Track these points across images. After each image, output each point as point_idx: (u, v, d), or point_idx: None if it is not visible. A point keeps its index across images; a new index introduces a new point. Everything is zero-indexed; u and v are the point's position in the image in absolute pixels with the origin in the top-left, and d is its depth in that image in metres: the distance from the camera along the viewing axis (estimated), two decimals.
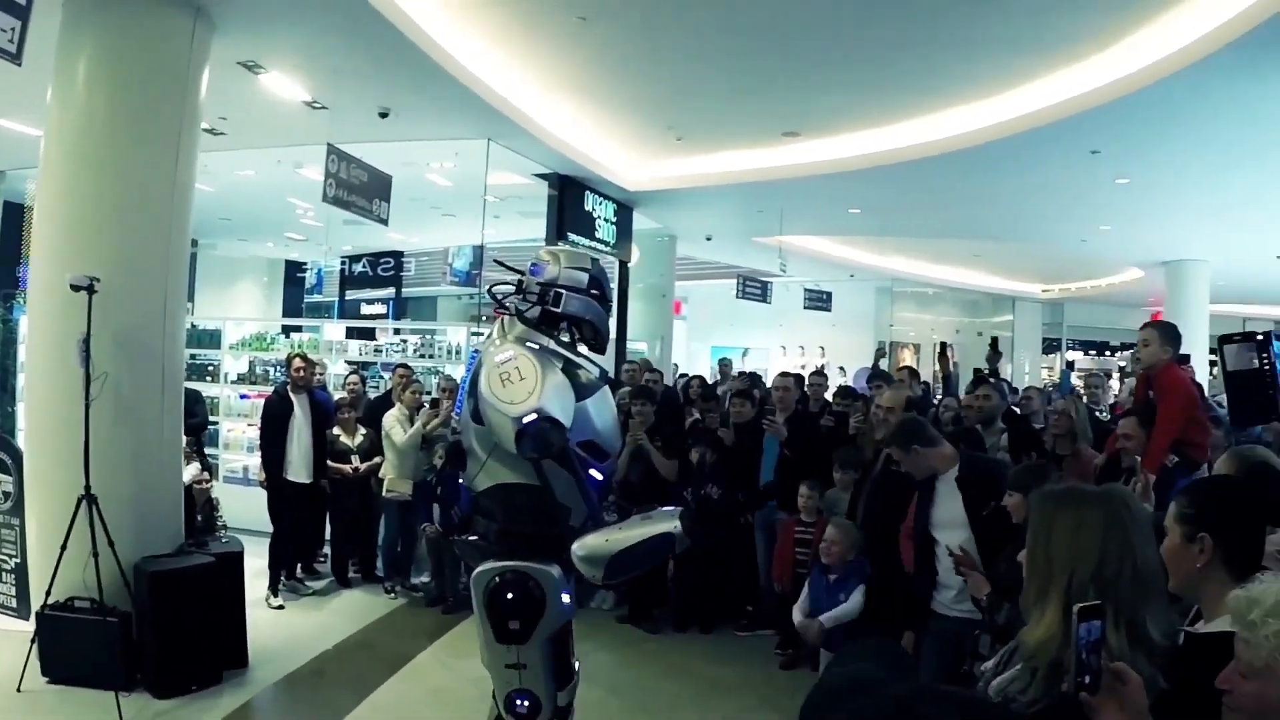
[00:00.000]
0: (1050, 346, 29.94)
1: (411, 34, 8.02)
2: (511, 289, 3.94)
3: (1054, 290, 27.34)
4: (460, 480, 4.02)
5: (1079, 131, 10.22)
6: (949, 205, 15.08)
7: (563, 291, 3.80)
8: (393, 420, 8.92)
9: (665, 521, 3.49)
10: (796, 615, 6.37)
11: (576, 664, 4.10)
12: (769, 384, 10.12)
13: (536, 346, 3.72)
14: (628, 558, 3.49)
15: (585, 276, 3.89)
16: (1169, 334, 5.85)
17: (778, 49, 8.99)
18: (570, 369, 3.72)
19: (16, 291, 12.61)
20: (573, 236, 13.19)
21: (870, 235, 19.83)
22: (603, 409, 3.85)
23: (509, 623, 3.67)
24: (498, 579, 3.63)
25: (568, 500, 3.69)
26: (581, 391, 3.69)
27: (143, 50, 6.80)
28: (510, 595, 3.59)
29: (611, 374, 4.74)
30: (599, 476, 3.84)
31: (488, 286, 4.02)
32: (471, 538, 3.86)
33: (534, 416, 3.39)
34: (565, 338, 3.95)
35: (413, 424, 8.82)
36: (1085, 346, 31.24)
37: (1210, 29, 7.91)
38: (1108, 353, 30.63)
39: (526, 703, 3.81)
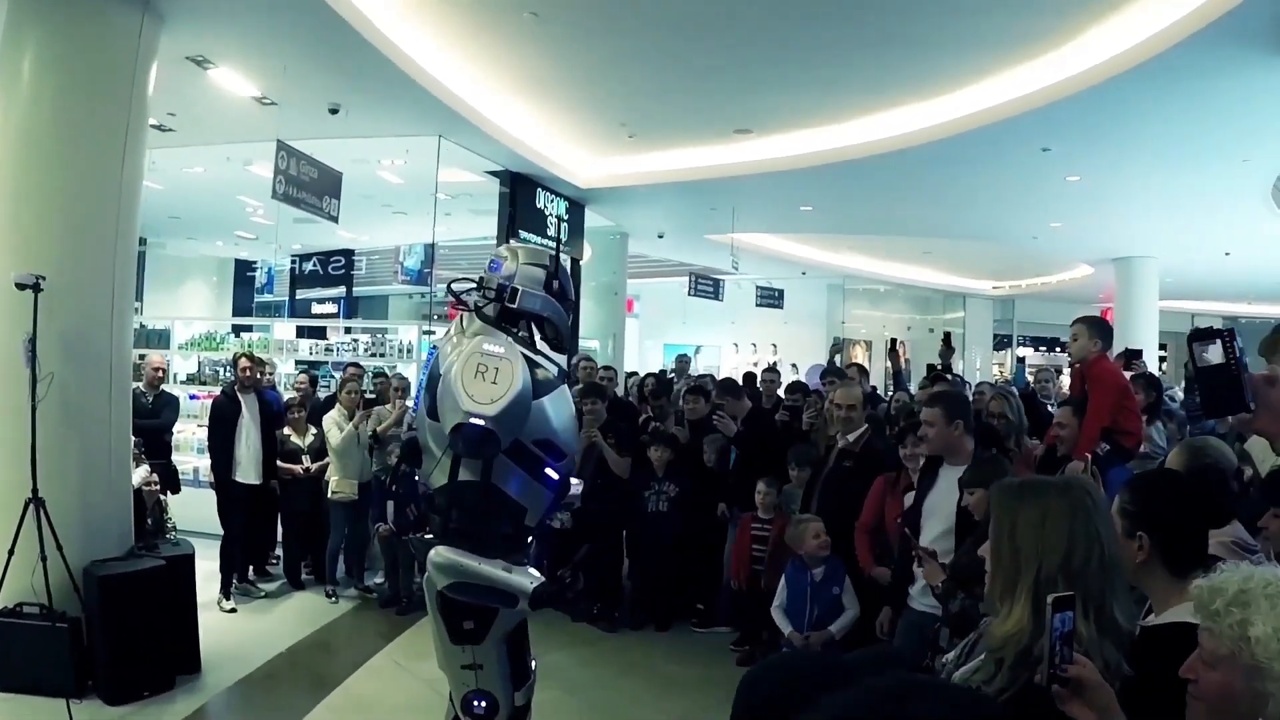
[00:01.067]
0: (1001, 343, 30.14)
1: (362, 28, 7.96)
2: (470, 285, 3.89)
3: (1005, 287, 27.54)
4: (416, 478, 3.96)
5: (1030, 129, 10.32)
6: (901, 202, 15.17)
7: (519, 288, 3.76)
8: (330, 422, 8.86)
9: (522, 580, 3.42)
10: (777, 614, 6.34)
11: (533, 663, 4.07)
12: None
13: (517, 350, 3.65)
14: (473, 590, 3.45)
15: (543, 273, 3.84)
16: (1097, 327, 5.96)
17: (730, 46, 9.00)
18: (530, 366, 3.66)
19: None
20: (524, 234, 13.11)
21: (822, 233, 19.91)
22: (560, 407, 3.79)
23: (463, 623, 3.63)
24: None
25: (522, 499, 3.65)
26: (540, 389, 3.63)
27: (89, 45, 6.68)
28: (436, 585, 3.55)
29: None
30: (555, 475, 3.80)
31: (447, 282, 3.96)
32: (427, 536, 3.81)
33: (482, 422, 3.35)
34: (525, 335, 3.90)
35: (356, 427, 8.77)
36: (1036, 343, 31.46)
37: (1160, 29, 8.01)
38: (1058, 349, 30.85)
39: (484, 703, 3.77)
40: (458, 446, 3.42)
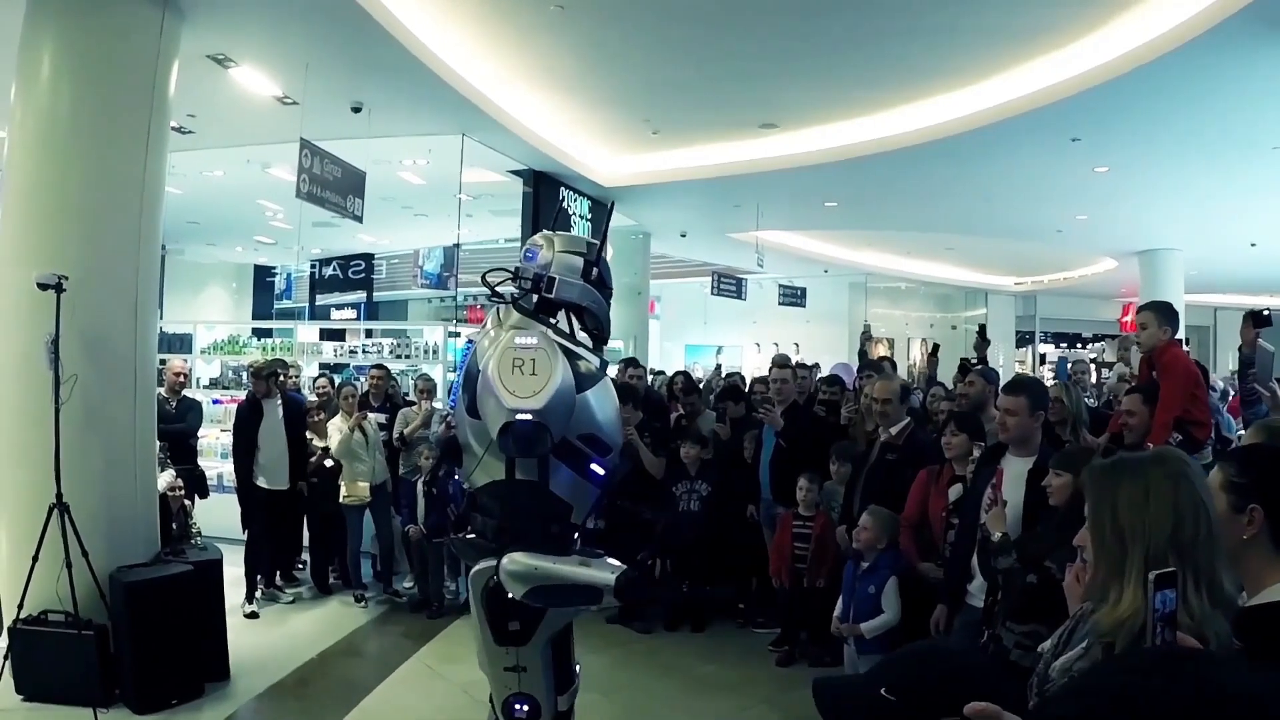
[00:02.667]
0: (1023, 339, 29.92)
1: (386, 23, 7.87)
2: (505, 276, 3.75)
3: (1027, 283, 27.36)
4: (456, 477, 3.82)
5: (1060, 119, 10.18)
6: (927, 197, 15.04)
7: (556, 277, 3.61)
8: (334, 427, 8.80)
9: (603, 572, 3.29)
10: (837, 609, 6.13)
11: (578, 666, 3.94)
12: (749, 383, 10.08)
13: (551, 337, 3.52)
14: (551, 592, 3.31)
15: (580, 261, 3.69)
16: (1166, 313, 5.76)
17: (757, 39, 8.91)
18: (571, 358, 3.52)
19: None
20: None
21: (846, 229, 19.80)
22: (604, 401, 3.65)
23: (509, 624, 3.50)
24: (496, 577, 3.44)
25: (569, 496, 3.51)
26: (583, 382, 3.49)
27: (108, 42, 6.57)
28: (510, 594, 3.41)
29: None
30: (601, 471, 3.65)
31: (482, 274, 3.81)
32: (469, 536, 3.67)
33: (528, 417, 3.21)
34: (564, 326, 3.76)
35: (351, 430, 8.68)
36: (1058, 339, 31.26)
37: (1193, 13, 7.89)
38: (1079, 345, 30.66)
39: (526, 707, 3.65)
40: (509, 447, 3.27)
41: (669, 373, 12.27)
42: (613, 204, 4.79)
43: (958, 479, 5.58)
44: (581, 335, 3.78)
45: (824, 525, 7.04)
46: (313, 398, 9.78)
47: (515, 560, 3.25)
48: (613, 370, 9.56)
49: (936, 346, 10.81)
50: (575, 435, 3.50)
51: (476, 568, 3.52)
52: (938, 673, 1.97)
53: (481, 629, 3.56)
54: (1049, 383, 8.22)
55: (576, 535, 3.58)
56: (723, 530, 8.04)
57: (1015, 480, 4.72)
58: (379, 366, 9.86)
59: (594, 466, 3.60)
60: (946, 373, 11.66)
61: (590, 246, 3.79)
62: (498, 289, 3.72)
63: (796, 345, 25.14)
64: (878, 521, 5.79)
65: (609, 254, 11.97)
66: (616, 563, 3.36)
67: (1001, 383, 6.45)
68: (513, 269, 3.74)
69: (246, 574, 8.31)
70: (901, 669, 2.04)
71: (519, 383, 3.26)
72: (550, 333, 3.57)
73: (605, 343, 3.89)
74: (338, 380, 10.26)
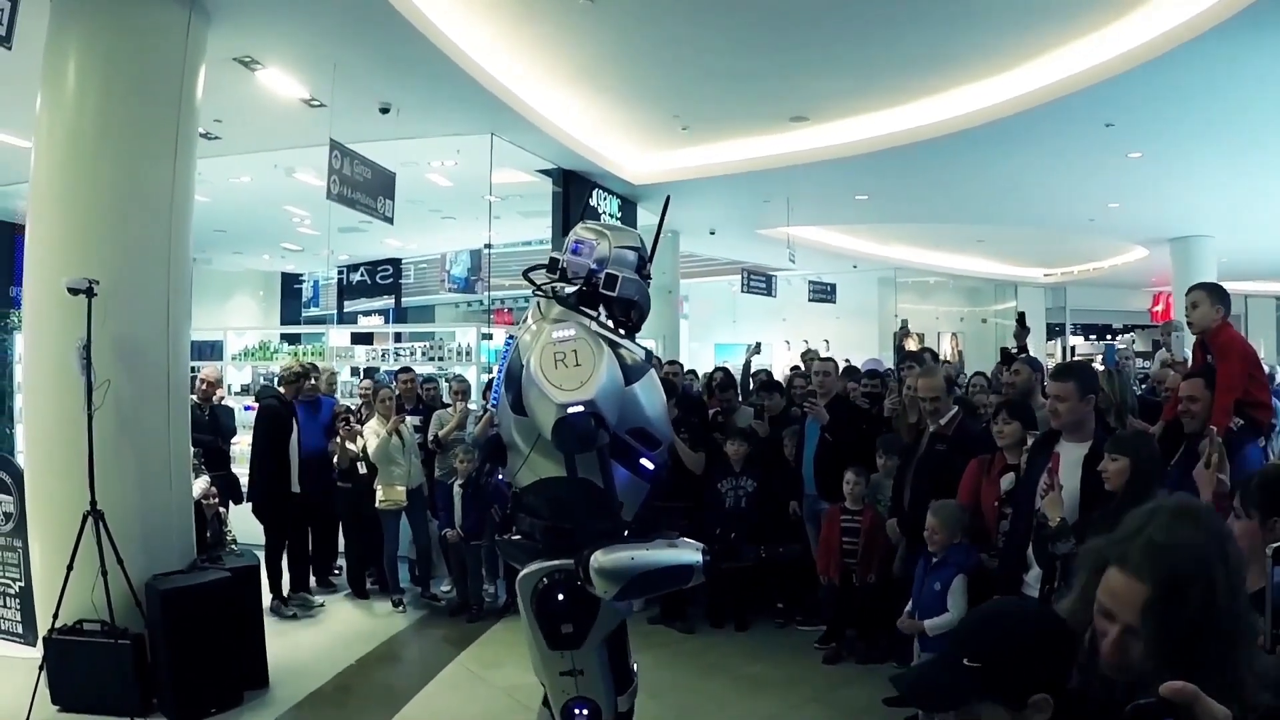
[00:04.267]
0: (1053, 331, 29.68)
1: (415, 20, 7.79)
2: (542, 266, 3.64)
3: (1056, 274, 27.20)
4: (501, 476, 3.71)
5: (1094, 103, 10.04)
6: (959, 187, 14.90)
7: (617, 275, 3.50)
8: (370, 431, 8.71)
9: (690, 552, 3.24)
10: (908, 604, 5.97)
11: (635, 665, 3.83)
12: (784, 380, 9.96)
13: (594, 329, 3.42)
14: (646, 580, 3.19)
15: (635, 256, 3.60)
16: (1217, 293, 5.56)
17: (787, 30, 8.81)
18: (615, 351, 3.41)
19: (11, 312, 12.37)
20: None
21: (878, 223, 19.68)
22: (651, 393, 3.54)
23: (561, 627, 3.38)
24: (545, 580, 3.34)
25: (620, 494, 3.38)
26: (630, 375, 3.38)
27: (135, 47, 6.51)
28: (561, 596, 3.31)
29: None
30: (650, 466, 3.53)
31: (524, 270, 3.71)
32: (515, 537, 3.56)
33: (580, 409, 3.10)
34: (605, 318, 3.64)
35: (389, 434, 8.58)
36: (1087, 330, 31.03)
37: None
38: (1109, 336, 30.42)
39: (586, 711, 3.54)
40: (564, 442, 3.15)
41: (700, 372, 12.19)
42: (668, 199, 4.70)
43: (1010, 468, 5.46)
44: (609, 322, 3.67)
45: (872, 519, 6.94)
46: (354, 400, 9.72)
47: (609, 558, 3.13)
48: None
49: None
50: (625, 430, 3.40)
51: (525, 571, 3.41)
52: (1030, 633, 1.86)
53: (534, 634, 3.44)
54: None
55: (626, 532, 3.47)
56: (764, 530, 7.93)
57: (1071, 466, 4.62)
58: (405, 370, 9.79)
59: (644, 461, 3.50)
60: (972, 366, 11.50)
61: (640, 239, 3.71)
62: (539, 283, 3.62)
63: (826, 342, 25.01)
64: (945, 518, 5.60)
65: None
66: (694, 541, 3.31)
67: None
68: (550, 260, 3.63)
69: (269, 575, 8.19)
70: (981, 634, 1.92)
71: (564, 376, 3.16)
72: (593, 325, 3.48)
73: (638, 331, 3.77)
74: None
